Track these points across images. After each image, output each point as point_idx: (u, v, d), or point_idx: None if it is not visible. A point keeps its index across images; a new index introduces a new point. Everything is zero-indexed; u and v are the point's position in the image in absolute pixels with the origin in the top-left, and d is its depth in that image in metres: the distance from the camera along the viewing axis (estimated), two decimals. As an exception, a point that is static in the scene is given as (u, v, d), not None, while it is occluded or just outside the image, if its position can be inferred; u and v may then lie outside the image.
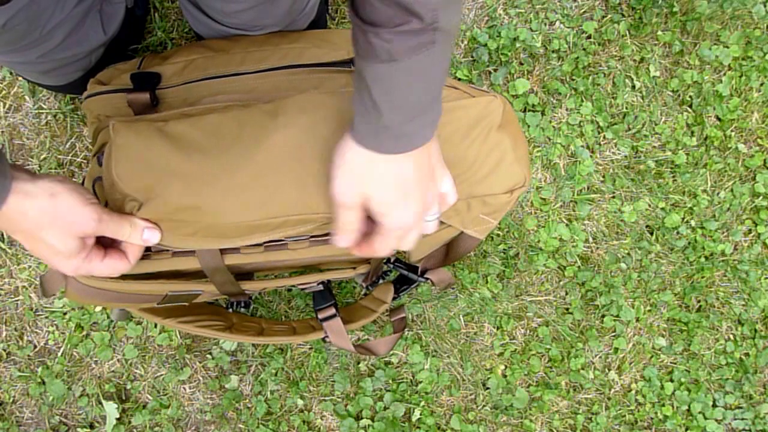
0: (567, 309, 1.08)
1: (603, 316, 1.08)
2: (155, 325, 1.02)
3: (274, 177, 0.62)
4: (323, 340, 0.94)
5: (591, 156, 1.06)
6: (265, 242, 0.67)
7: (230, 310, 0.90)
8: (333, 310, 0.91)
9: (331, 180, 0.57)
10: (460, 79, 1.03)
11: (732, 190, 1.10)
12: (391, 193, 0.56)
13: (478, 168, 0.70)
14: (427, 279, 0.96)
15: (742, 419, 1.12)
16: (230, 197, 0.63)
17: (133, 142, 0.64)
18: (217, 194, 0.62)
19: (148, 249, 0.71)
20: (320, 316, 0.91)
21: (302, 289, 0.96)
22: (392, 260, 0.96)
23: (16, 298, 1.01)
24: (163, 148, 0.63)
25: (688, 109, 1.08)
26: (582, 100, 1.05)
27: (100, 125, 0.72)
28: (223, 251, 0.70)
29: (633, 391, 1.10)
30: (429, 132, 0.55)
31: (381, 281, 0.95)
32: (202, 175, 0.63)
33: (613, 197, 1.07)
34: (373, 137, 0.54)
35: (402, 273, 0.96)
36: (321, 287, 0.88)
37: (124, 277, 0.73)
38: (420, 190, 0.57)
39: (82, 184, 0.74)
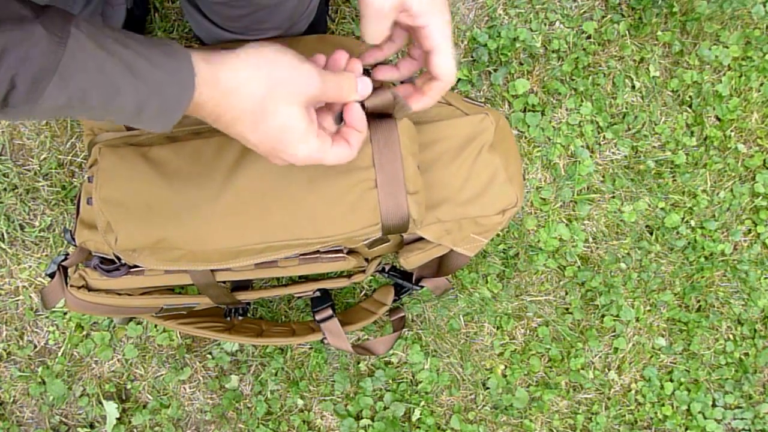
0: (567, 309, 1.08)
1: (603, 316, 1.08)
2: (155, 325, 1.02)
3: (253, 204, 0.63)
4: (321, 341, 0.94)
5: (591, 156, 1.06)
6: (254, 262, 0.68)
7: (228, 318, 0.91)
8: (330, 311, 0.91)
9: None
10: (459, 80, 1.03)
11: (732, 190, 1.10)
12: None
13: (469, 189, 0.70)
14: (422, 286, 0.96)
15: (742, 419, 1.12)
16: (211, 225, 0.63)
17: (118, 167, 0.66)
18: (197, 223, 0.63)
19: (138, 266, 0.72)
20: (317, 317, 0.92)
21: (299, 298, 0.96)
22: (387, 269, 0.96)
23: (17, 298, 1.02)
24: (146, 174, 0.64)
25: (688, 109, 1.08)
26: (582, 100, 1.05)
27: (94, 138, 0.73)
28: (213, 269, 0.71)
29: (633, 391, 1.10)
30: None
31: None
32: (182, 203, 0.63)
33: (613, 197, 1.07)
34: None
35: (397, 282, 0.97)
36: (318, 293, 0.88)
37: (119, 293, 0.75)
38: None
39: (78, 197, 0.75)
